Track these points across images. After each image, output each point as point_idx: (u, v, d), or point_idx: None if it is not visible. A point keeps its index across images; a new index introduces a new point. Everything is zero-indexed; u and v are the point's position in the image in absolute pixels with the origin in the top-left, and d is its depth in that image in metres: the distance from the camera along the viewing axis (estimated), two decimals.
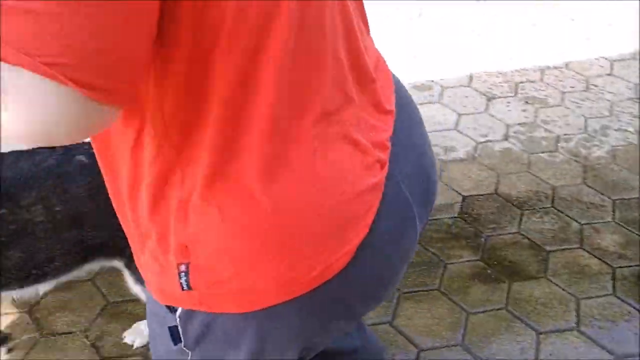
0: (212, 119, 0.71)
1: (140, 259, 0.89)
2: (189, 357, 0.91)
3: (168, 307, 0.87)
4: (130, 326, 1.91)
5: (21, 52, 0.55)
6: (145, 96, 0.70)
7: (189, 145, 0.73)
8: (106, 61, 0.59)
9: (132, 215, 0.83)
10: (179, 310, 0.86)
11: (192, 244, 0.79)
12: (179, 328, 0.87)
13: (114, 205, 0.88)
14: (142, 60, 0.63)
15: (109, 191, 0.86)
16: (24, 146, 1.42)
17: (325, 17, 0.76)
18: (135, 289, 1.64)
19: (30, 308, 1.99)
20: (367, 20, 0.93)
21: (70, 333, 1.92)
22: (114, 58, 0.59)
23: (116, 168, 0.81)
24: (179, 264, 0.80)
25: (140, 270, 0.91)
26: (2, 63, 0.56)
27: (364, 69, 0.85)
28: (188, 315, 0.85)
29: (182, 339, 0.88)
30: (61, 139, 0.63)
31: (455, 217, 2.29)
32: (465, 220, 2.27)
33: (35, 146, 0.62)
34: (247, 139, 0.73)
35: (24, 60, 0.55)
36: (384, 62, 0.95)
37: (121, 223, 0.89)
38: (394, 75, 0.97)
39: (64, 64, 0.56)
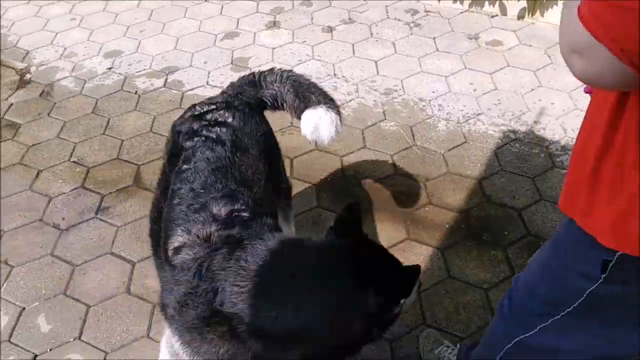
0: None
1: (596, 202, 1.14)
2: (596, 283, 1.19)
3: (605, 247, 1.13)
4: None
5: (610, 35, 0.87)
6: None
7: None
8: None
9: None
10: (619, 253, 1.13)
11: None
12: (610, 263, 1.15)
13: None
14: None
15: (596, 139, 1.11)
16: None
17: None
18: None
19: None
20: None
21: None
22: None
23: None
24: None
25: (591, 212, 1.16)
26: (584, 31, 0.89)
27: None
28: (630, 258, 1.11)
29: (607, 271, 1.16)
30: (601, 86, 1.01)
31: None
32: None
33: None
34: None
35: (611, 43, 0.87)
36: None
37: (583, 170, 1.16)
38: None
39: (628, 49, 0.86)
